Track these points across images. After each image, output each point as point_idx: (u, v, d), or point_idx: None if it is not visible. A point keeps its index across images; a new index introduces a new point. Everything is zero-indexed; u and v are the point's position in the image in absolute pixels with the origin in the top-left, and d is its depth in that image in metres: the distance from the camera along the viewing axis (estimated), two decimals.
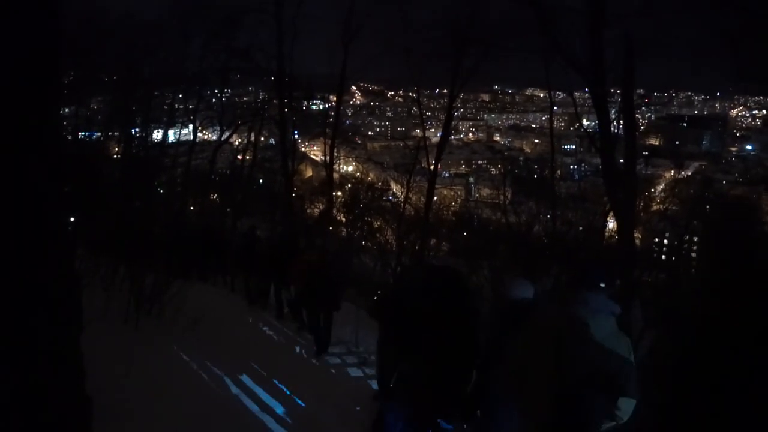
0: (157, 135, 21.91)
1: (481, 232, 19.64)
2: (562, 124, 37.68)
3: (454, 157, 42.82)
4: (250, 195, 23.03)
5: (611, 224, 14.68)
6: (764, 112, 46.47)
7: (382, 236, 19.46)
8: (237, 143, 26.96)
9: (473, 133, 49.94)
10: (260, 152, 23.71)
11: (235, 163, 24.68)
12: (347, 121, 40.85)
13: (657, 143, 45.39)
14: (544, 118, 36.24)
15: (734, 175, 39.49)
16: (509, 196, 18.64)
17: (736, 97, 45.91)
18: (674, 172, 39.57)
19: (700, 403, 1.84)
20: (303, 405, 4.70)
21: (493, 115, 50.63)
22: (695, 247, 14.68)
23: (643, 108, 40.50)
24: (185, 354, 4.99)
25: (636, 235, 14.77)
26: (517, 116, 50.16)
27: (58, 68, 2.07)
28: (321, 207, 21.98)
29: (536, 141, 44.67)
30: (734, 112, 47.72)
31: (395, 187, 27.01)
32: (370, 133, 49.12)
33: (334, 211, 20.71)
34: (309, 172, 33.71)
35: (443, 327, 3.51)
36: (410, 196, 21.30)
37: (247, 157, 23.87)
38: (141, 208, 8.61)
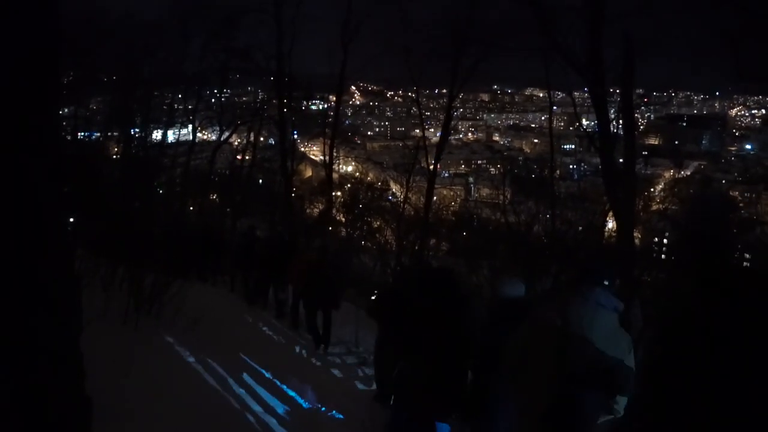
0: (157, 135, 21.95)
1: (480, 232, 19.67)
2: (562, 123, 37.73)
3: (454, 157, 42.90)
4: (250, 195, 23.04)
5: (611, 224, 14.68)
6: (763, 111, 46.55)
7: (382, 236, 19.48)
8: (236, 143, 26.99)
9: (473, 133, 50.01)
10: (260, 152, 23.75)
11: (234, 163, 24.71)
12: (347, 121, 40.90)
13: (656, 143, 45.48)
14: (543, 118, 36.31)
15: (733, 174, 39.60)
16: (509, 196, 18.63)
17: (735, 96, 46.03)
18: (674, 172, 39.67)
19: (679, 400, 1.86)
20: (303, 405, 4.71)
21: (492, 115, 50.72)
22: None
23: (643, 108, 40.59)
24: (185, 354, 4.98)
25: (636, 234, 14.79)
26: (517, 116, 50.24)
27: (57, 68, 2.07)
28: (320, 207, 22.00)
29: (536, 141, 44.76)
30: (733, 111, 47.81)
31: (395, 187, 26.97)
32: (369, 133, 49.20)
33: (334, 211, 20.72)
34: (308, 172, 33.71)
35: (441, 327, 3.53)
36: (410, 196, 21.29)
37: (247, 157, 23.93)
38: (140, 208, 8.60)
